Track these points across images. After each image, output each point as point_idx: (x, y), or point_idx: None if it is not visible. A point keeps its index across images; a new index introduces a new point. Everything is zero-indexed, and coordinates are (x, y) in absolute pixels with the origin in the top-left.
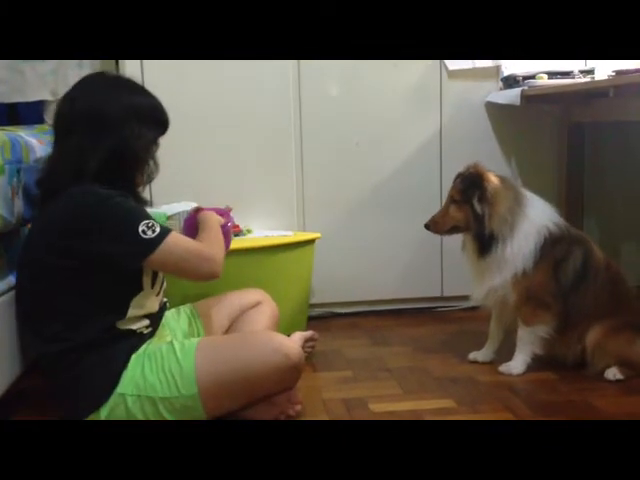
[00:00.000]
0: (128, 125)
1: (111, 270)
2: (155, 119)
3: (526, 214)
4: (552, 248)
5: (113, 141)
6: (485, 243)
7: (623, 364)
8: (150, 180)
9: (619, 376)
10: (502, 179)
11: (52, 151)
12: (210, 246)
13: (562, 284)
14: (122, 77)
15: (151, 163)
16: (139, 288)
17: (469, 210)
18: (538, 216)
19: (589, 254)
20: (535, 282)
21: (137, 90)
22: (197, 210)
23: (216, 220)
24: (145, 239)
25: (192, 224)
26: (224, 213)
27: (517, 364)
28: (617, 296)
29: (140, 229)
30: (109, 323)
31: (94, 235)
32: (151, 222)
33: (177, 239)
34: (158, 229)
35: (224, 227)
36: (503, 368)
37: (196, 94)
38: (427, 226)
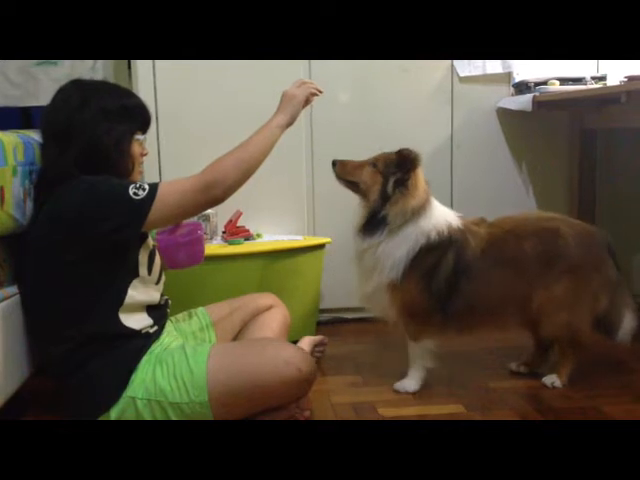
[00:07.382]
0: (97, 127)
1: (113, 252)
2: (125, 116)
3: (417, 222)
4: (424, 257)
5: (82, 143)
6: (373, 222)
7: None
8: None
9: (557, 383)
10: (426, 181)
11: (42, 159)
12: (230, 157)
13: (434, 292)
14: (94, 82)
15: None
16: (135, 273)
17: (381, 183)
18: (425, 225)
19: (461, 252)
20: (407, 295)
21: (107, 93)
22: (177, 226)
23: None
24: (139, 200)
25: (170, 241)
26: (195, 225)
27: (411, 381)
28: (530, 266)
29: (131, 192)
30: (111, 315)
31: (92, 219)
32: (138, 183)
33: (168, 187)
34: (147, 186)
35: (193, 233)
36: (398, 386)
37: (206, 97)
38: (334, 163)
